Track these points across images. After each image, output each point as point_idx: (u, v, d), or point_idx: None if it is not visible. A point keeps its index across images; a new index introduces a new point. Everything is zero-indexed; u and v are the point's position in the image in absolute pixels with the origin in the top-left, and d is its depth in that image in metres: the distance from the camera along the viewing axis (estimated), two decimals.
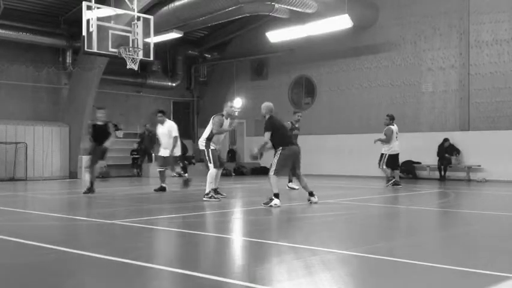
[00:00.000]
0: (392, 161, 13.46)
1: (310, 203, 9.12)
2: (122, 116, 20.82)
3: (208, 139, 9.94)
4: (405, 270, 4.29)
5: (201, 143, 10.05)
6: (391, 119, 13.84)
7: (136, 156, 20.22)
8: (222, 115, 10.15)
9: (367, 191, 12.38)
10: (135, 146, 20.34)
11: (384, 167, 13.55)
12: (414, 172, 17.74)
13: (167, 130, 11.94)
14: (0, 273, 4.23)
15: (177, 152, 12.14)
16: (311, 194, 9.20)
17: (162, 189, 12.03)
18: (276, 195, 8.78)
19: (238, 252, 5.29)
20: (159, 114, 12.18)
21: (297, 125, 12.28)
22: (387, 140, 13.45)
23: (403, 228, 6.95)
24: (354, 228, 7.02)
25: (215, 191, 10.01)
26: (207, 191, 9.74)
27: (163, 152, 12.06)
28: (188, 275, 4.03)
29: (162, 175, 12.24)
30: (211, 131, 9.94)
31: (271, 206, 8.65)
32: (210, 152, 9.88)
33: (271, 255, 4.94)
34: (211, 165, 9.81)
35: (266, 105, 9.20)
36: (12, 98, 18.16)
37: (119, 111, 20.78)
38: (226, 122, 10.16)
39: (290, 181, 12.51)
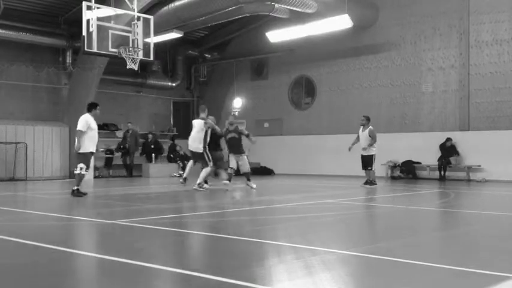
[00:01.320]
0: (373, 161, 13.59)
1: (181, 181, 12.85)
2: (122, 116, 20.82)
3: (205, 142, 11.94)
4: (405, 270, 4.29)
5: (199, 147, 11.90)
6: (368, 119, 13.84)
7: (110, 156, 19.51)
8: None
9: (367, 191, 12.37)
10: (113, 146, 19.59)
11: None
12: (414, 172, 17.74)
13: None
14: (0, 273, 4.23)
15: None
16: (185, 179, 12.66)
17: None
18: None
19: (238, 252, 5.29)
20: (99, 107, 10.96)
21: (231, 128, 12.64)
22: (375, 140, 13.44)
23: (403, 228, 6.95)
24: (354, 228, 7.02)
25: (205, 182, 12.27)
26: (199, 182, 11.74)
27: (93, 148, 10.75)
28: (188, 275, 4.03)
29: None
30: (213, 134, 12.07)
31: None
32: (210, 153, 11.92)
33: (271, 255, 4.93)
34: (210, 163, 11.93)
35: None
36: (12, 98, 18.17)
37: (119, 111, 20.79)
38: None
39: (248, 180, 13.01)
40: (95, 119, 10.72)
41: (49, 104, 19.05)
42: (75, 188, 10.49)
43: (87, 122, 10.42)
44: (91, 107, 10.74)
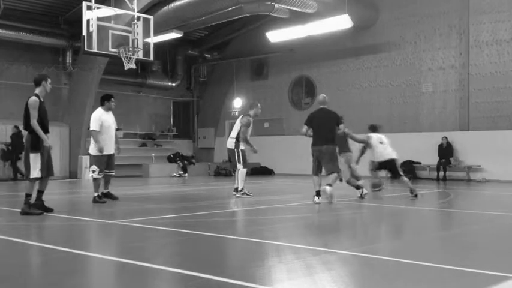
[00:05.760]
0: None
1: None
2: (122, 116, 20.79)
3: (237, 139, 10.43)
4: (405, 270, 4.29)
5: (231, 143, 10.48)
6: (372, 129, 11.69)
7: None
8: (250, 115, 10.59)
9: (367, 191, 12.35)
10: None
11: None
12: (414, 172, 17.72)
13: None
14: (1, 273, 4.23)
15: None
16: None
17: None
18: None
19: (238, 252, 5.29)
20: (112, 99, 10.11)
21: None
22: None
23: (403, 228, 6.94)
24: (354, 228, 7.02)
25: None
26: (240, 188, 10.34)
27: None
28: (188, 275, 4.03)
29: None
30: (238, 132, 10.44)
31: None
32: (240, 152, 10.41)
33: (271, 255, 4.93)
34: (240, 165, 10.40)
35: None
36: (12, 98, 18.15)
37: (119, 111, 20.74)
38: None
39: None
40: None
41: (49, 104, 18.89)
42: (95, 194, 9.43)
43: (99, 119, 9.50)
44: (103, 100, 9.85)
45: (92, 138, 9.52)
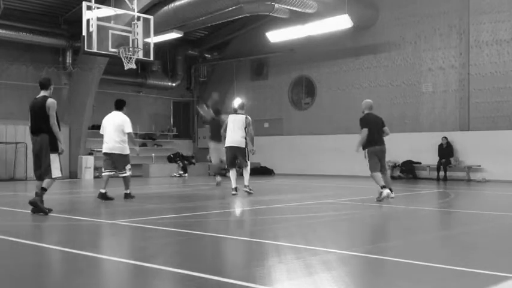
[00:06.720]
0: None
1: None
2: None
3: (245, 138, 10.87)
4: (405, 270, 4.29)
5: (241, 142, 10.82)
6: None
7: None
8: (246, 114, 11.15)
9: (367, 191, 12.37)
10: None
11: None
12: (414, 172, 17.74)
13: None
14: (1, 273, 4.23)
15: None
16: None
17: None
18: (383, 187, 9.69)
19: (238, 252, 5.30)
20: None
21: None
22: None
23: (403, 228, 6.94)
24: (354, 228, 7.02)
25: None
26: (247, 184, 10.99)
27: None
28: (188, 275, 4.03)
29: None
30: (246, 131, 10.87)
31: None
32: (248, 150, 10.98)
33: (271, 255, 4.93)
34: (248, 162, 11.04)
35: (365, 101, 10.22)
36: (12, 98, 18.17)
37: None
38: None
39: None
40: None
41: None
42: (129, 191, 10.10)
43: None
44: (123, 105, 10.20)
45: (119, 139, 9.96)
